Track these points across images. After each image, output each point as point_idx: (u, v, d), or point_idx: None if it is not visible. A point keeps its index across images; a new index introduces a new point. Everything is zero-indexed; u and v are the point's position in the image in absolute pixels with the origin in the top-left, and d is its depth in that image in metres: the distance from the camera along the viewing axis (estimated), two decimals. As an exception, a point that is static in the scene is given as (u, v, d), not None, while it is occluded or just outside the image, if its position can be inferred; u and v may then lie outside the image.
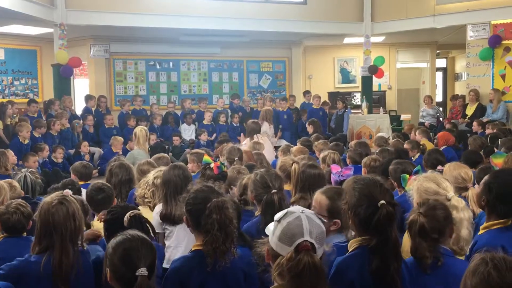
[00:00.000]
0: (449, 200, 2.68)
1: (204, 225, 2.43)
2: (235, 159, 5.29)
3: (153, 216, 3.58)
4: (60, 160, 8.76)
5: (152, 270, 2.08)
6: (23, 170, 4.69)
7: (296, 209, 1.95)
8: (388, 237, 2.14)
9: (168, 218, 3.42)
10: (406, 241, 2.54)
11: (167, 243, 3.50)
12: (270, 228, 1.97)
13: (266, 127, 9.79)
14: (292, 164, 3.76)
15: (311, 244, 1.82)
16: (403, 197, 3.49)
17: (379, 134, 9.43)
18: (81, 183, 4.76)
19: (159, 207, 3.55)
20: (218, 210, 2.42)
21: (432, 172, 3.16)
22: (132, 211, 2.65)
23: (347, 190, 2.31)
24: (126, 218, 2.60)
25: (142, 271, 2.00)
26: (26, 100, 10.99)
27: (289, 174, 3.83)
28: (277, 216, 1.95)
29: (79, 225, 2.60)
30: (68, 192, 2.72)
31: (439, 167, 4.40)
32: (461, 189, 3.57)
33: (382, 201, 2.16)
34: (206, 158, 4.20)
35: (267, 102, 11.15)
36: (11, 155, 6.88)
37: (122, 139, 9.51)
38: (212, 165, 4.01)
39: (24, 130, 8.45)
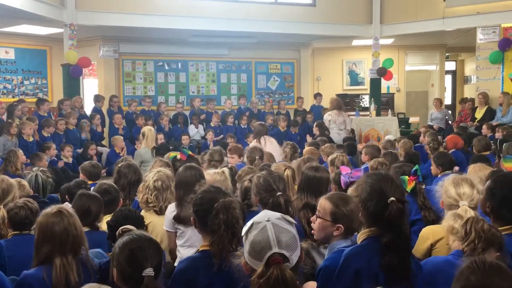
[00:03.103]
0: None
1: (211, 225, 2.43)
2: (256, 157, 5.31)
3: (166, 214, 3.61)
4: (70, 159, 8.77)
5: (158, 270, 2.07)
6: (34, 169, 4.73)
7: (262, 217, 1.88)
8: (400, 233, 2.19)
9: (182, 220, 3.42)
10: None
11: (178, 242, 3.51)
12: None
13: (337, 116, 9.37)
14: (284, 170, 3.76)
15: (282, 254, 1.79)
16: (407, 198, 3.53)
17: (387, 137, 9.39)
18: (90, 182, 4.78)
19: (172, 207, 3.56)
20: (224, 210, 2.42)
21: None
22: (123, 227, 2.61)
23: (360, 184, 2.36)
24: (118, 232, 2.58)
25: (149, 271, 2.00)
26: (36, 99, 11.02)
27: None
28: (244, 229, 1.90)
29: (80, 234, 2.57)
30: (68, 205, 2.74)
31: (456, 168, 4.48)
32: None
33: (392, 198, 2.20)
34: (172, 154, 4.50)
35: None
36: (21, 155, 6.94)
37: (122, 137, 9.56)
38: (178, 156, 4.21)
39: (27, 127, 8.44)
